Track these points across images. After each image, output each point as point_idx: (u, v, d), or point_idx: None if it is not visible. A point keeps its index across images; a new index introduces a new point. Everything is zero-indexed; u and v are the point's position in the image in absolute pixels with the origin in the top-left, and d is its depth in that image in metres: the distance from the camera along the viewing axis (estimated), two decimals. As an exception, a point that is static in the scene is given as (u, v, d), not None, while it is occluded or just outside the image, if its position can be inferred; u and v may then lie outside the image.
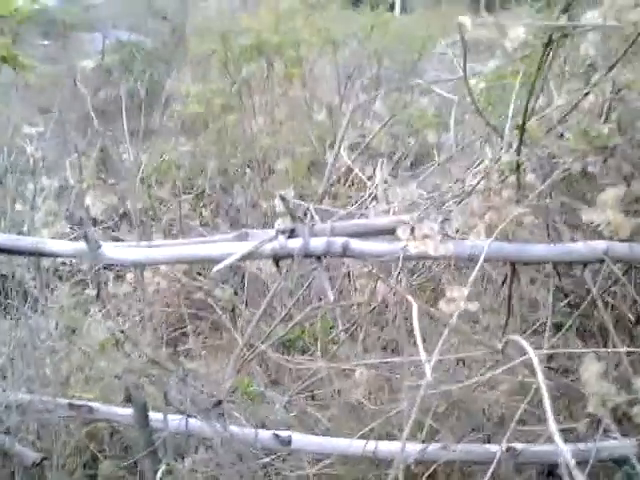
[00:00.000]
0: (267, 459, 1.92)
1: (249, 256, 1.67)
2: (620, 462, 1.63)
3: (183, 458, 1.92)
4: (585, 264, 1.59)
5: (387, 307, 2.16)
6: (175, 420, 1.88)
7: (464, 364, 1.92)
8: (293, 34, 3.73)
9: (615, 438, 1.45)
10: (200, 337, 2.66)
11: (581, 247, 1.53)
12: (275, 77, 3.77)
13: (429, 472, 1.69)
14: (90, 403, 2.03)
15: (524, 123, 1.53)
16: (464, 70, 1.49)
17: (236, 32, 3.68)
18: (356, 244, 1.62)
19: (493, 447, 1.68)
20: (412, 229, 1.37)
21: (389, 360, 1.87)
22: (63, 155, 3.20)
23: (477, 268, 1.34)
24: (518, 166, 1.55)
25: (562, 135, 1.68)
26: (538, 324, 1.87)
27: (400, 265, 1.52)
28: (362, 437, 1.79)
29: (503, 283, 1.91)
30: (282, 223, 1.68)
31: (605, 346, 1.71)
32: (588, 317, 1.87)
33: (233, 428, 1.85)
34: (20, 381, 2.08)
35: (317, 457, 1.91)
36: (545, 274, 1.92)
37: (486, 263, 1.67)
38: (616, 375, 1.47)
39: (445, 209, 1.58)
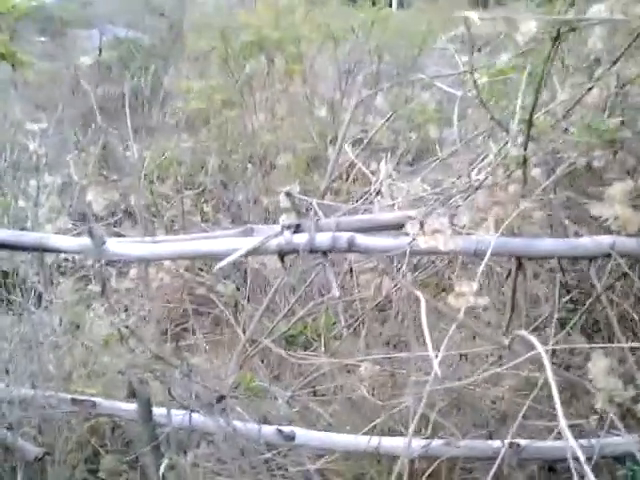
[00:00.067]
0: (269, 454, 1.92)
1: (254, 251, 1.67)
2: (622, 459, 1.63)
3: (185, 453, 1.92)
4: (591, 259, 1.59)
5: (390, 303, 2.16)
6: (178, 415, 1.88)
7: (467, 359, 1.93)
8: (293, 30, 3.74)
9: (618, 434, 1.45)
10: (203, 332, 2.65)
11: (588, 242, 1.52)
12: (276, 73, 3.78)
13: (432, 468, 1.70)
14: (93, 398, 2.03)
15: (531, 117, 1.52)
16: (470, 63, 1.49)
17: (234, 28, 3.68)
18: (362, 239, 1.62)
19: (496, 443, 1.68)
20: (422, 224, 1.37)
21: (393, 355, 1.87)
22: (66, 152, 3.20)
23: (484, 263, 1.34)
24: (525, 161, 1.54)
25: (566, 130, 1.68)
26: (540, 320, 1.87)
27: (406, 261, 1.51)
28: (365, 433, 1.79)
29: (507, 278, 1.91)
30: (287, 218, 1.68)
31: (609, 342, 1.71)
32: (592, 313, 1.87)
33: (236, 423, 1.85)
34: (23, 376, 2.07)
35: (319, 452, 1.92)
36: (548, 269, 1.92)
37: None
38: (621, 371, 1.47)
39: (451, 204, 1.57)
